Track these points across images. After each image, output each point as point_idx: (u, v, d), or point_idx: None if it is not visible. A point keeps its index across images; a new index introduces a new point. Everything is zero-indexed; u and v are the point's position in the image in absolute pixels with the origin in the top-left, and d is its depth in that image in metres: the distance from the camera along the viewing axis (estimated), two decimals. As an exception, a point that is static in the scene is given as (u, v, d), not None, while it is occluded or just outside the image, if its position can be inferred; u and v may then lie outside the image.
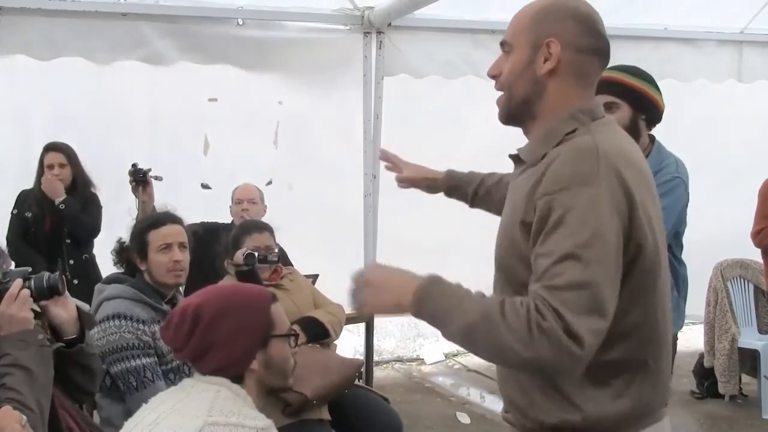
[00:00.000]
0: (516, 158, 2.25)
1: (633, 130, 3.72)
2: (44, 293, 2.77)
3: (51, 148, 5.58)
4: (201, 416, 2.23)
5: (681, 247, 3.95)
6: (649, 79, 3.83)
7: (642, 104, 3.76)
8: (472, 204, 3.03)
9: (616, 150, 2.02)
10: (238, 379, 2.42)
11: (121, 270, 3.85)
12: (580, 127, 2.08)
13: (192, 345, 2.42)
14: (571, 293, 1.86)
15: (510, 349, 1.87)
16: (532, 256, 1.97)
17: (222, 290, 2.64)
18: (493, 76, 2.23)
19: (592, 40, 2.13)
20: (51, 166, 5.53)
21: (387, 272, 2.10)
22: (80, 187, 5.62)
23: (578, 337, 1.83)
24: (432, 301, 1.98)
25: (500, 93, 2.22)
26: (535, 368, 1.97)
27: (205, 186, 6.14)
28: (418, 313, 2.01)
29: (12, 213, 5.64)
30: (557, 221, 1.92)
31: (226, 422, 2.23)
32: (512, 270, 2.10)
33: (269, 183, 6.24)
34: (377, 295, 2.08)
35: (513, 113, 2.19)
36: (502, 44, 2.20)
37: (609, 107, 3.67)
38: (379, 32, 6.07)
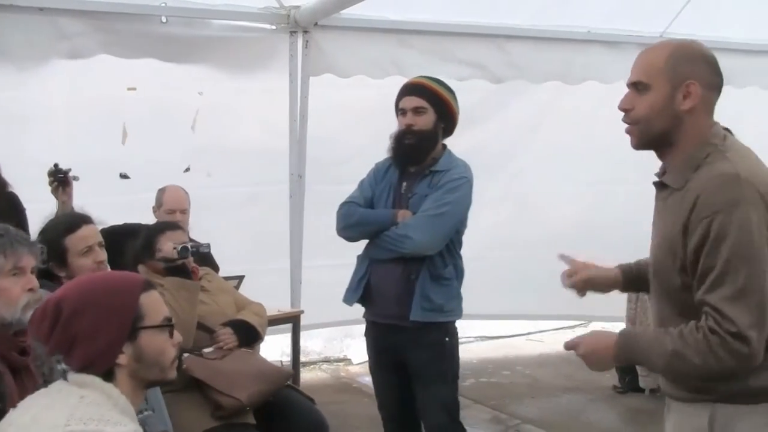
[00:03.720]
0: (661, 184, 2.61)
1: (433, 135, 4.14)
2: None
3: None
4: (59, 426, 2.12)
5: (461, 244, 4.24)
6: (453, 93, 4.21)
7: (445, 114, 4.15)
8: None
9: (752, 173, 2.40)
10: (108, 375, 2.28)
11: None
12: (713, 152, 2.46)
13: (54, 340, 2.27)
14: (736, 300, 2.30)
15: (704, 369, 2.36)
16: (699, 267, 2.38)
17: (86, 282, 2.45)
18: (624, 110, 2.59)
19: (717, 78, 2.54)
20: None
21: (588, 343, 2.62)
22: None
23: (745, 338, 2.28)
24: (627, 357, 2.57)
25: (630, 125, 2.59)
26: (723, 374, 2.37)
27: (123, 176, 6.02)
28: (623, 363, 2.75)
29: None
30: (716, 240, 2.33)
31: (83, 431, 2.11)
32: (668, 276, 2.51)
33: (187, 170, 6.16)
34: (591, 362, 2.62)
35: (651, 142, 2.58)
36: (636, 84, 2.55)
37: (417, 111, 4.11)
38: (305, 31, 6.04)
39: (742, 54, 6.64)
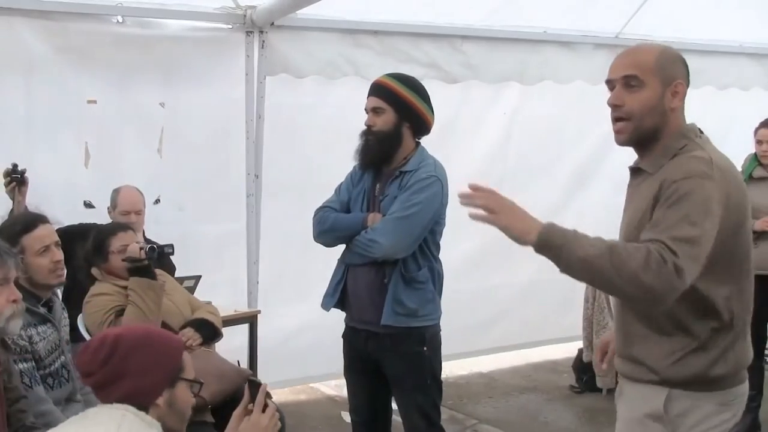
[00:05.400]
0: (636, 170, 2.79)
1: (395, 135, 4.05)
2: None
3: None
4: (111, 431, 2.29)
5: (437, 245, 4.17)
6: (420, 92, 4.10)
7: (407, 113, 4.05)
8: None
9: (724, 163, 2.63)
10: (142, 409, 2.44)
11: None
12: (689, 143, 2.66)
13: (105, 371, 2.44)
14: (685, 242, 2.42)
15: (632, 276, 2.38)
16: (656, 215, 2.52)
17: (143, 327, 2.76)
18: (615, 105, 2.70)
19: (689, 78, 2.74)
20: None
21: (510, 203, 2.56)
22: None
23: (682, 272, 2.38)
24: (557, 236, 2.47)
25: (622, 120, 2.70)
26: (642, 294, 2.43)
27: (88, 205, 5.84)
28: (542, 243, 2.48)
29: None
30: (681, 197, 2.48)
31: None
32: None
33: (157, 201, 6.01)
34: (507, 217, 2.53)
35: (640, 138, 2.72)
36: (629, 78, 2.66)
37: (375, 111, 4.03)
38: (261, 31, 6.01)
39: (698, 54, 6.70)
